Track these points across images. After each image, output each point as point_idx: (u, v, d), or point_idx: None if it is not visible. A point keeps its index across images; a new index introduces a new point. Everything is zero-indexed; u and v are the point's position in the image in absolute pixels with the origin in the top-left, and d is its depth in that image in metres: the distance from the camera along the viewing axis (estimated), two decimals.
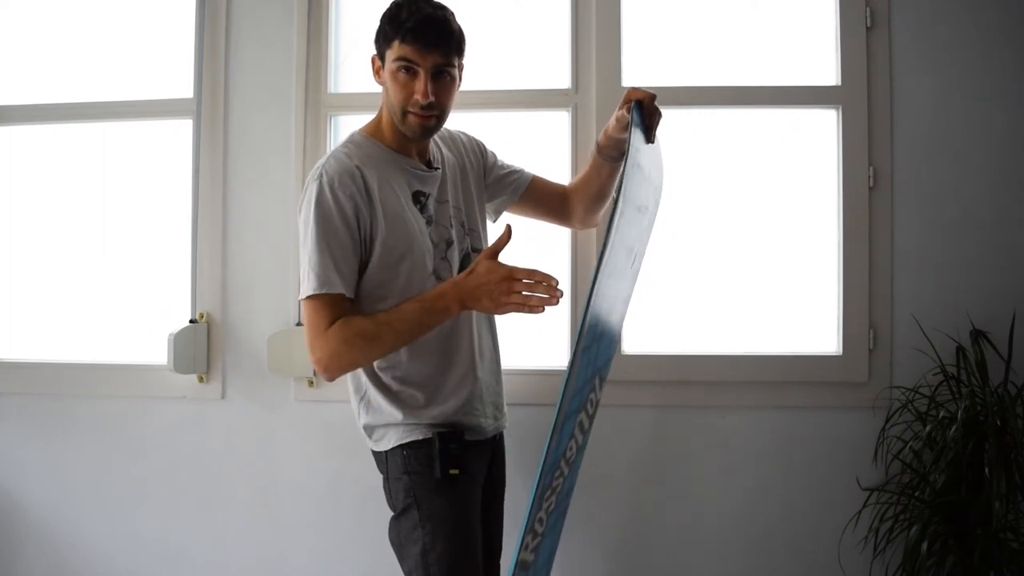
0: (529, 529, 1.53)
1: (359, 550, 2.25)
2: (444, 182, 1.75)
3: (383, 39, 1.65)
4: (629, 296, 1.89)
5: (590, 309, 1.49)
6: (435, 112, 1.64)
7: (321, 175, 1.61)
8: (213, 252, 2.32)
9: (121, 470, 2.36)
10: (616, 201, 1.49)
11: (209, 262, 2.32)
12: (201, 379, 2.32)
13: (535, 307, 1.54)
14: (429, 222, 1.69)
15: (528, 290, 1.53)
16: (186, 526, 2.34)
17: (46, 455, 2.39)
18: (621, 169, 1.53)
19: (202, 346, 2.30)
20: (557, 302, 1.54)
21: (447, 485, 1.64)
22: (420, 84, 1.61)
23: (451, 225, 1.72)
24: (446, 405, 1.68)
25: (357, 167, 1.62)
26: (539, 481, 1.51)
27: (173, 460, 2.34)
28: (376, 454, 1.73)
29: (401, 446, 1.66)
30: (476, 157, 1.89)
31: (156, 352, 2.28)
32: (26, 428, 2.40)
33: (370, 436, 1.72)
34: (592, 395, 1.76)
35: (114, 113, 2.40)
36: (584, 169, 1.96)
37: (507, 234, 1.58)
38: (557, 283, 1.54)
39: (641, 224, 1.78)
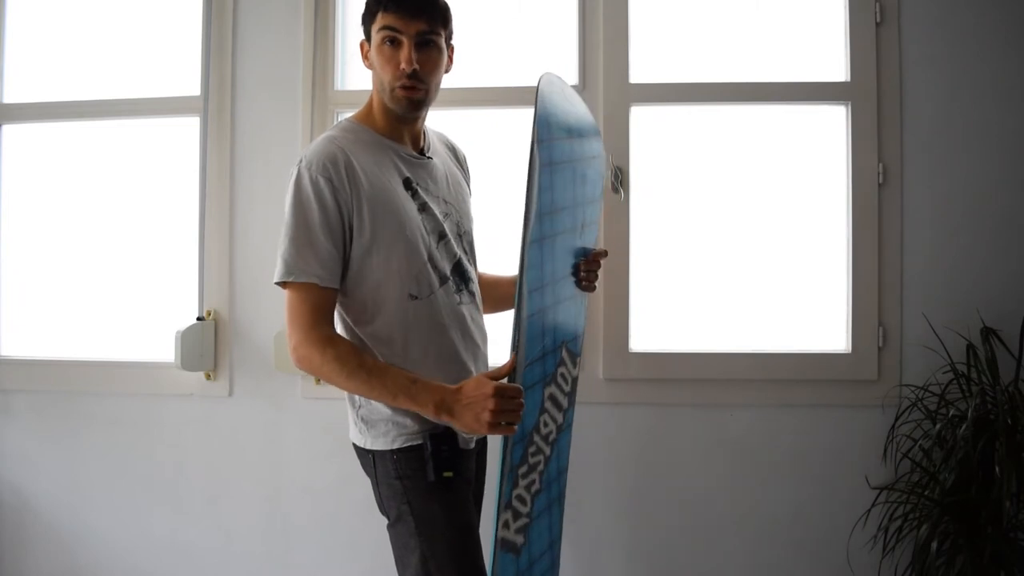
0: (506, 505, 1.52)
1: (365, 547, 2.25)
2: (436, 175, 1.71)
3: (368, 15, 1.63)
4: None
5: (525, 272, 1.49)
6: (422, 84, 1.60)
7: (300, 160, 1.58)
8: (220, 250, 2.32)
9: (129, 467, 2.37)
10: (530, 163, 1.48)
11: (216, 260, 2.32)
12: (208, 376, 2.33)
13: (509, 432, 1.49)
14: (422, 209, 1.64)
15: (513, 407, 1.46)
16: (193, 522, 2.35)
17: (55, 452, 2.40)
18: (531, 135, 1.51)
19: (209, 344, 2.31)
20: (513, 430, 1.50)
21: (441, 488, 1.58)
22: (404, 52, 1.58)
23: (443, 219, 1.68)
24: None
25: (341, 149, 1.58)
26: (505, 452, 1.50)
27: (180, 457, 2.35)
28: (363, 455, 1.68)
29: (392, 450, 1.61)
30: (468, 179, 1.87)
31: (164, 350, 2.29)
32: (35, 425, 2.41)
33: (360, 432, 1.67)
34: (562, 369, 1.75)
35: (122, 111, 2.40)
36: (503, 277, 1.93)
37: (510, 365, 1.52)
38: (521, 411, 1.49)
39: (582, 192, 1.76)
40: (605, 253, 1.87)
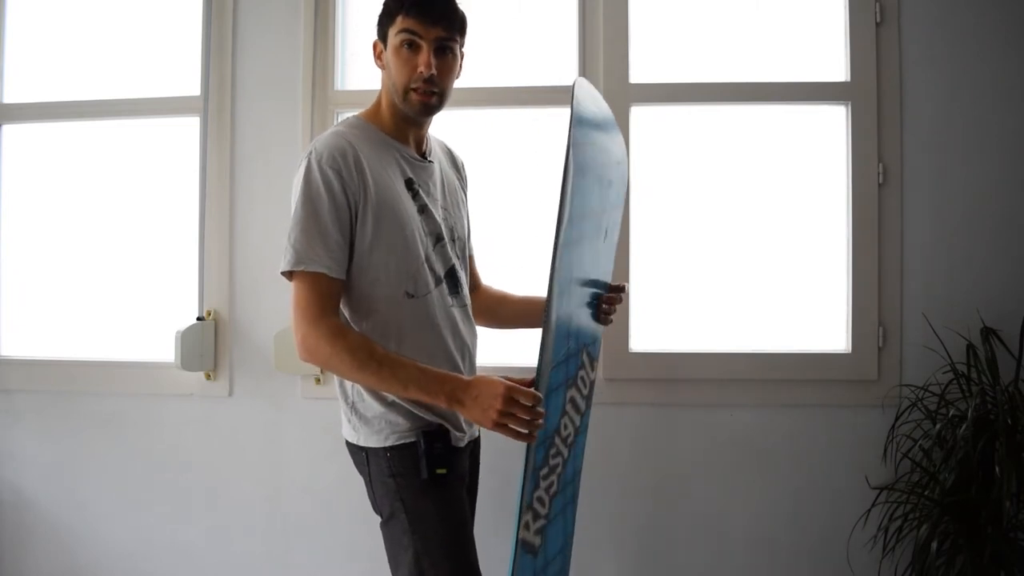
0: (527, 507, 1.52)
1: (365, 547, 2.24)
2: (436, 180, 1.73)
3: (386, 16, 1.64)
4: (607, 273, 1.88)
5: (556, 275, 1.49)
6: (436, 89, 1.63)
7: (311, 152, 1.59)
8: (220, 250, 2.32)
9: (129, 467, 2.37)
10: (565, 167, 1.49)
11: (216, 260, 2.32)
12: (208, 376, 2.33)
13: (526, 438, 1.49)
14: (421, 210, 1.66)
15: (524, 413, 1.46)
16: (193, 523, 2.35)
17: (55, 451, 2.40)
18: (567, 138, 1.51)
19: (209, 344, 2.31)
20: (533, 437, 1.50)
21: (434, 486, 1.59)
22: (423, 56, 1.60)
23: (441, 223, 1.69)
24: (431, 405, 1.60)
25: (350, 144, 1.60)
26: (528, 453, 1.51)
27: (180, 457, 2.35)
28: (356, 452, 1.69)
29: (385, 448, 1.62)
30: (465, 185, 1.88)
31: (164, 350, 2.29)
32: (35, 425, 2.41)
33: (354, 429, 1.68)
34: (582, 372, 1.76)
35: (122, 111, 2.41)
36: (511, 295, 1.94)
37: (528, 381, 1.53)
38: (542, 420, 1.49)
39: (607, 197, 1.77)
40: (624, 288, 1.86)
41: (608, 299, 1.82)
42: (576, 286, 1.65)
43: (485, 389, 1.49)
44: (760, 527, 2.24)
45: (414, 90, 1.62)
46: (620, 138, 1.91)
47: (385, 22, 1.65)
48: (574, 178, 1.52)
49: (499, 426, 1.48)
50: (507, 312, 1.93)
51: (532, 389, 1.51)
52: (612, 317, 1.86)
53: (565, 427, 1.69)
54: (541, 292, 1.96)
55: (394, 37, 1.62)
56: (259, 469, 2.33)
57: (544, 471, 1.60)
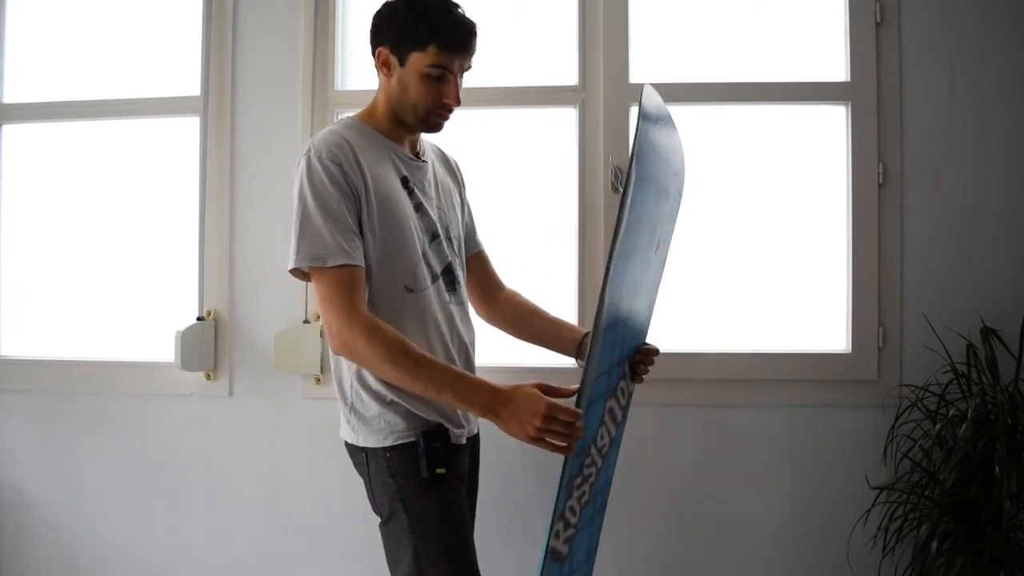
0: (559, 516, 1.51)
1: (365, 547, 2.24)
2: (430, 179, 1.75)
3: (411, 39, 1.62)
4: (656, 284, 1.85)
5: (609, 285, 1.47)
6: (454, 111, 1.69)
7: (309, 149, 1.60)
8: (220, 250, 2.32)
9: (129, 467, 2.37)
10: (628, 175, 1.47)
11: (216, 260, 2.32)
12: (208, 376, 2.33)
13: (563, 451, 1.47)
14: (417, 208, 1.67)
15: (563, 429, 1.44)
16: (193, 523, 2.35)
17: (55, 452, 2.40)
18: (632, 147, 1.50)
19: (209, 343, 2.31)
20: (571, 451, 1.48)
21: (434, 485, 1.59)
22: (451, 88, 1.64)
23: (436, 221, 1.70)
24: (430, 404, 1.62)
25: (346, 140, 1.61)
26: (565, 463, 1.49)
27: (180, 457, 2.35)
28: (355, 453, 1.69)
29: (385, 448, 1.62)
30: (460, 187, 1.89)
31: (164, 350, 2.29)
32: (35, 425, 2.41)
33: (352, 429, 1.67)
34: (623, 383, 1.75)
35: (122, 111, 2.41)
36: (544, 313, 1.92)
37: (569, 391, 1.54)
38: (580, 437, 1.48)
39: (662, 208, 1.73)
40: (657, 351, 1.83)
41: (643, 358, 1.80)
42: (628, 295, 1.63)
43: (524, 403, 1.46)
44: (760, 527, 2.24)
45: (437, 114, 1.66)
46: (680, 149, 1.86)
47: (407, 43, 1.62)
48: (635, 187, 1.48)
49: (536, 441, 1.46)
50: (536, 328, 1.90)
51: (572, 405, 1.48)
52: (645, 377, 1.83)
53: (601, 437, 1.68)
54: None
55: (421, 65, 1.62)
56: (259, 469, 2.33)
57: (578, 480, 1.58)
